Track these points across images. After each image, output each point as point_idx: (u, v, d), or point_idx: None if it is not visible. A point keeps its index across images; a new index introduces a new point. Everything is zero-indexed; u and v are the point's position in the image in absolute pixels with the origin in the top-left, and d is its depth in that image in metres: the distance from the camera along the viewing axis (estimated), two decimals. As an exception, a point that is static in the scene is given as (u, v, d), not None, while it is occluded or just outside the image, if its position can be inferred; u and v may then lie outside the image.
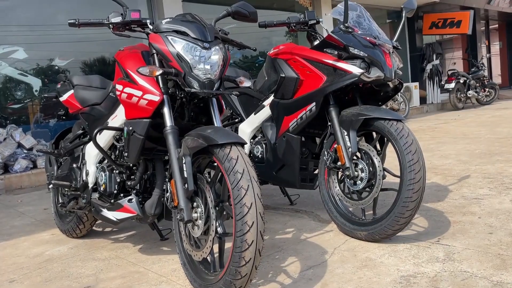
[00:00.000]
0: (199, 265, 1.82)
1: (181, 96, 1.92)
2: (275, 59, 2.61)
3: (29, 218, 3.43)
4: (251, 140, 2.90)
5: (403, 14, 2.56)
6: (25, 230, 3.08)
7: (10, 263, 2.42)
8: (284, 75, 2.52)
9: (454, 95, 10.08)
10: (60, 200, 2.75)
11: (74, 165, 2.51)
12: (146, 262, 2.23)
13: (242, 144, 1.69)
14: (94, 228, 2.83)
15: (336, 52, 2.28)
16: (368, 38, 2.28)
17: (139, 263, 2.23)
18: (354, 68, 2.23)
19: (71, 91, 2.56)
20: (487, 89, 10.91)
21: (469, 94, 10.35)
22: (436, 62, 11.19)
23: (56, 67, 6.47)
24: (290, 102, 2.52)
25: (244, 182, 1.56)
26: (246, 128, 2.89)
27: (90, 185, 2.35)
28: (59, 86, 2.69)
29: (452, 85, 10.05)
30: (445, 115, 9.28)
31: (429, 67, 11.14)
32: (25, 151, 5.11)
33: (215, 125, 1.92)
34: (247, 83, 2.03)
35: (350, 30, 2.28)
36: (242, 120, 3.00)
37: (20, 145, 5.11)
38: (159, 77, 1.86)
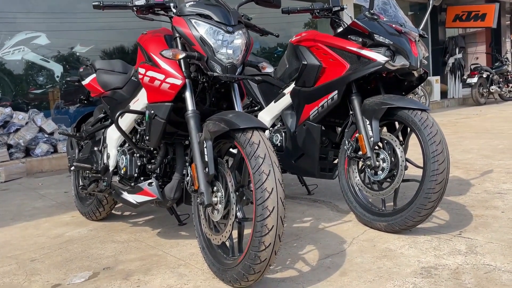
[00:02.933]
0: (218, 249, 1.82)
1: (203, 81, 1.91)
2: (297, 46, 2.58)
3: (50, 200, 3.49)
4: (271, 128, 2.88)
5: (430, 2, 2.50)
6: (46, 211, 3.14)
7: (31, 242, 2.47)
8: (306, 63, 2.49)
9: (476, 90, 9.85)
10: (81, 183, 2.78)
11: (95, 148, 2.53)
12: (165, 246, 2.24)
13: (263, 129, 1.68)
14: (113, 211, 2.86)
15: (360, 40, 2.24)
16: (394, 25, 2.23)
17: (158, 246, 2.25)
18: (378, 56, 2.18)
19: (94, 75, 2.58)
20: (510, 85, 10.64)
21: (492, 89, 10.10)
22: (459, 56, 10.95)
23: (77, 54, 6.54)
24: (311, 90, 2.49)
25: (265, 167, 1.55)
26: (266, 116, 2.87)
27: (111, 168, 2.37)
28: (81, 70, 2.72)
29: (475, 79, 9.82)
30: (466, 110, 9.09)
31: (451, 61, 10.91)
32: (46, 136, 5.19)
33: (237, 110, 1.91)
34: (269, 69, 2.02)
35: (375, 17, 2.24)
36: (261, 108, 2.98)
37: (41, 130, 5.19)
38: (182, 60, 1.86)
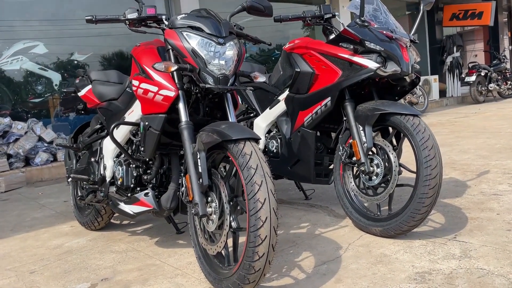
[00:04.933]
0: (214, 259, 1.84)
1: (196, 92, 1.93)
2: (291, 54, 2.60)
3: (49, 210, 3.51)
4: (266, 134, 2.90)
5: (421, 7, 2.52)
6: (45, 222, 3.16)
7: (31, 254, 2.49)
8: (299, 70, 2.51)
9: (474, 88, 9.87)
10: (79, 193, 2.81)
11: (92, 159, 2.55)
12: (162, 255, 2.26)
13: (256, 139, 1.70)
14: (112, 221, 2.88)
15: (352, 46, 2.26)
16: (384, 32, 2.25)
17: (156, 256, 2.27)
18: (370, 63, 2.20)
19: (89, 86, 2.60)
20: (509, 82, 10.65)
21: (490, 87, 10.11)
22: (457, 54, 10.97)
23: (75, 62, 6.58)
24: (305, 97, 2.51)
25: (257, 177, 1.57)
26: (261, 123, 2.89)
27: (108, 179, 2.39)
28: (77, 81, 2.74)
29: (473, 78, 9.84)
30: (465, 108, 9.10)
31: (449, 59, 10.93)
32: (46, 145, 5.22)
33: (230, 120, 1.93)
34: (261, 78, 2.03)
35: (366, 24, 2.26)
36: (257, 115, 3.00)
37: (40, 139, 5.22)
38: (175, 72, 1.88)
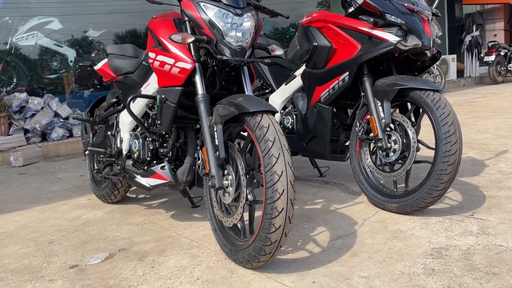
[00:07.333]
0: (230, 231, 1.85)
1: (212, 64, 1.91)
2: (308, 28, 2.55)
3: (66, 183, 3.56)
4: (282, 111, 2.88)
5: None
6: (63, 194, 3.21)
7: (49, 225, 2.54)
8: (316, 44, 2.46)
9: (493, 68, 9.63)
10: (96, 167, 2.84)
11: (109, 133, 2.57)
12: (178, 228, 2.29)
13: (273, 112, 1.69)
14: (128, 194, 2.91)
15: (372, 19, 2.21)
16: (406, 4, 2.19)
17: (172, 228, 2.30)
18: (390, 36, 2.15)
19: (105, 60, 2.60)
20: (529, 62, 10.35)
21: (510, 67, 9.85)
22: (476, 33, 10.66)
23: (90, 38, 6.57)
24: (322, 72, 2.47)
25: (275, 150, 1.56)
26: (277, 99, 2.87)
27: (124, 152, 2.41)
28: (93, 55, 2.74)
29: (492, 57, 9.60)
30: (483, 89, 8.91)
31: (468, 38, 10.63)
32: (62, 120, 5.26)
33: (246, 93, 1.91)
34: (279, 51, 2.01)
35: (387, -4, 2.20)
36: (272, 91, 2.98)
37: (56, 114, 5.26)
38: (191, 44, 1.86)
